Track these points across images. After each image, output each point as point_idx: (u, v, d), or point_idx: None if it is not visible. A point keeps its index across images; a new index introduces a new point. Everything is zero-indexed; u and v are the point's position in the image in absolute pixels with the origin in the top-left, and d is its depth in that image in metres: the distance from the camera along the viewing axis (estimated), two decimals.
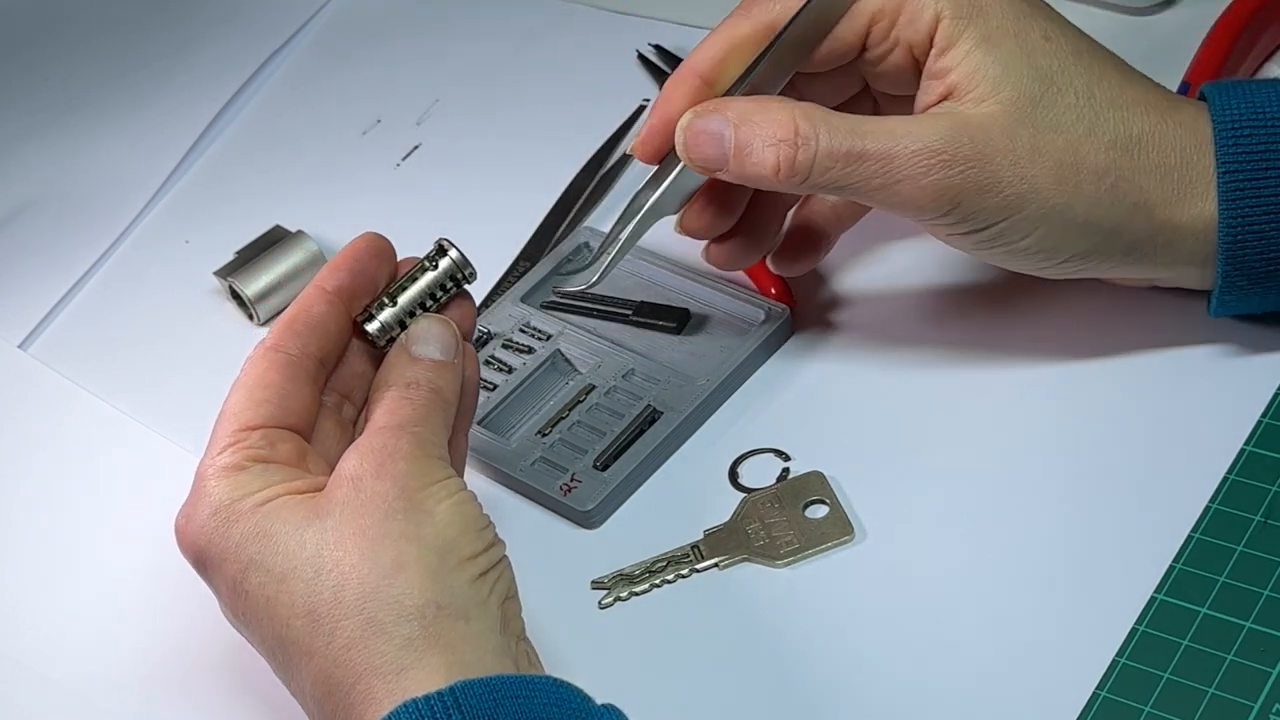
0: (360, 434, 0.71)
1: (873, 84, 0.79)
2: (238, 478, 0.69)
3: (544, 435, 0.82)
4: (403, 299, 0.74)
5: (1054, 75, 0.74)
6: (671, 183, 0.77)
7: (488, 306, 0.88)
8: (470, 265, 0.74)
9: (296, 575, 0.67)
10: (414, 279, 0.74)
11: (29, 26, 1.11)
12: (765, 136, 0.74)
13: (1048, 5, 0.76)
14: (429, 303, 0.74)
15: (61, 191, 1.01)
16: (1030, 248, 0.75)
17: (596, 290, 0.81)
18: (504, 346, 0.86)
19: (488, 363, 0.85)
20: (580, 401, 0.83)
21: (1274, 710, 0.68)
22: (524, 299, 0.88)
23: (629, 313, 0.87)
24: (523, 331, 0.87)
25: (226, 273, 0.92)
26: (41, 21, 1.11)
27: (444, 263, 0.74)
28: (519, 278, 0.89)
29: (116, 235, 0.98)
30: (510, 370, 0.85)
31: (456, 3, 1.08)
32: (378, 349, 0.74)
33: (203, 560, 0.70)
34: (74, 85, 1.07)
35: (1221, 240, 0.75)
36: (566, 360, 0.85)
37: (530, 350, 0.86)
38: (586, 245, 0.89)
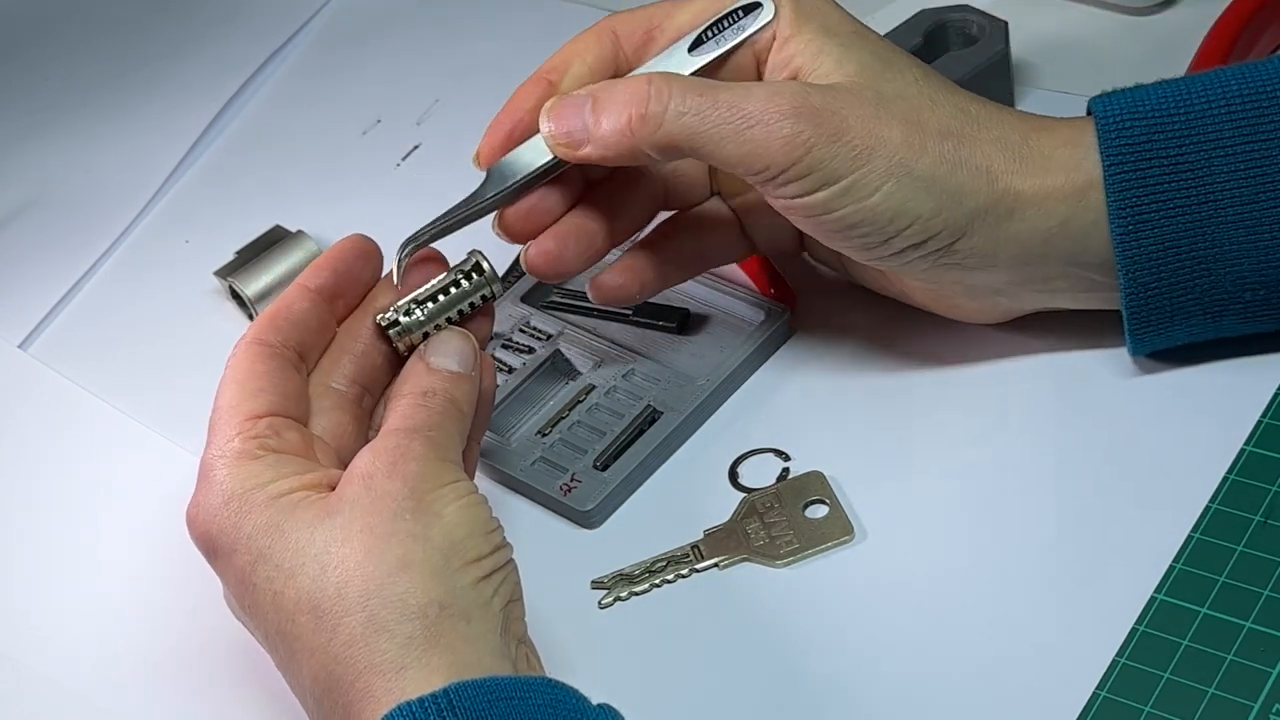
0: (375, 436, 0.71)
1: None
2: (250, 467, 0.69)
3: (544, 435, 0.82)
4: (430, 309, 0.75)
5: (891, 59, 0.76)
6: (515, 181, 0.77)
7: None
8: (500, 282, 0.76)
9: (303, 571, 0.67)
10: (445, 290, 0.75)
11: (29, 26, 1.11)
12: (621, 96, 0.75)
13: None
14: (455, 316, 0.75)
15: (61, 191, 1.01)
16: (878, 206, 0.74)
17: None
18: (504, 346, 0.86)
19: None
20: (580, 401, 0.83)
21: (1274, 710, 0.68)
22: (524, 299, 0.88)
23: (629, 313, 0.87)
24: (523, 331, 0.87)
25: (226, 273, 0.92)
26: (41, 21, 1.11)
27: (476, 280, 0.75)
28: (519, 278, 0.89)
29: (116, 235, 0.98)
30: (510, 370, 0.85)
31: (456, 3, 1.08)
32: (398, 354, 0.75)
33: (213, 549, 0.70)
34: (74, 85, 1.07)
35: (1115, 234, 0.75)
36: (566, 360, 0.85)
37: (530, 350, 0.86)
38: None
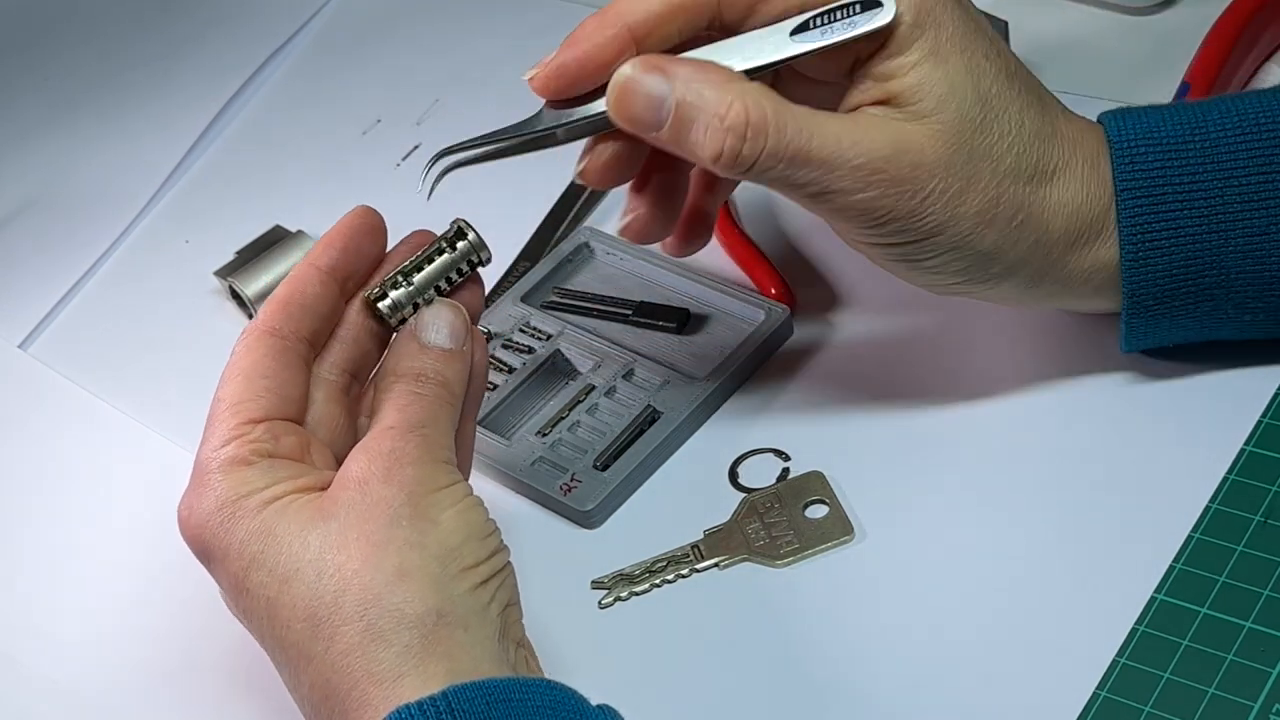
0: (369, 428, 0.70)
1: (793, 63, 0.75)
2: (243, 473, 0.69)
3: (544, 435, 0.82)
4: (418, 279, 0.73)
5: (992, 100, 0.74)
6: (572, 123, 0.74)
7: (488, 306, 0.88)
8: (487, 249, 0.74)
9: (299, 577, 0.67)
10: (430, 259, 0.73)
11: (29, 26, 1.11)
12: (710, 117, 0.71)
13: (986, 22, 0.76)
14: (443, 284, 0.73)
15: (62, 191, 1.01)
16: (934, 268, 0.75)
17: (593, 289, 0.80)
18: (504, 346, 0.86)
19: (488, 363, 0.85)
20: (580, 401, 0.83)
21: (1274, 710, 0.68)
22: (524, 299, 0.88)
23: (629, 313, 0.87)
24: (523, 331, 0.87)
25: (226, 273, 0.92)
26: (41, 21, 1.11)
27: (462, 245, 0.73)
28: (519, 278, 0.89)
29: (116, 235, 0.98)
30: (510, 370, 0.85)
31: (456, 3, 1.08)
32: (389, 328, 0.73)
33: (206, 553, 0.70)
34: (74, 85, 1.07)
35: (1124, 259, 0.75)
36: (566, 360, 0.85)
37: (530, 350, 0.86)
38: (587, 245, 0.89)
